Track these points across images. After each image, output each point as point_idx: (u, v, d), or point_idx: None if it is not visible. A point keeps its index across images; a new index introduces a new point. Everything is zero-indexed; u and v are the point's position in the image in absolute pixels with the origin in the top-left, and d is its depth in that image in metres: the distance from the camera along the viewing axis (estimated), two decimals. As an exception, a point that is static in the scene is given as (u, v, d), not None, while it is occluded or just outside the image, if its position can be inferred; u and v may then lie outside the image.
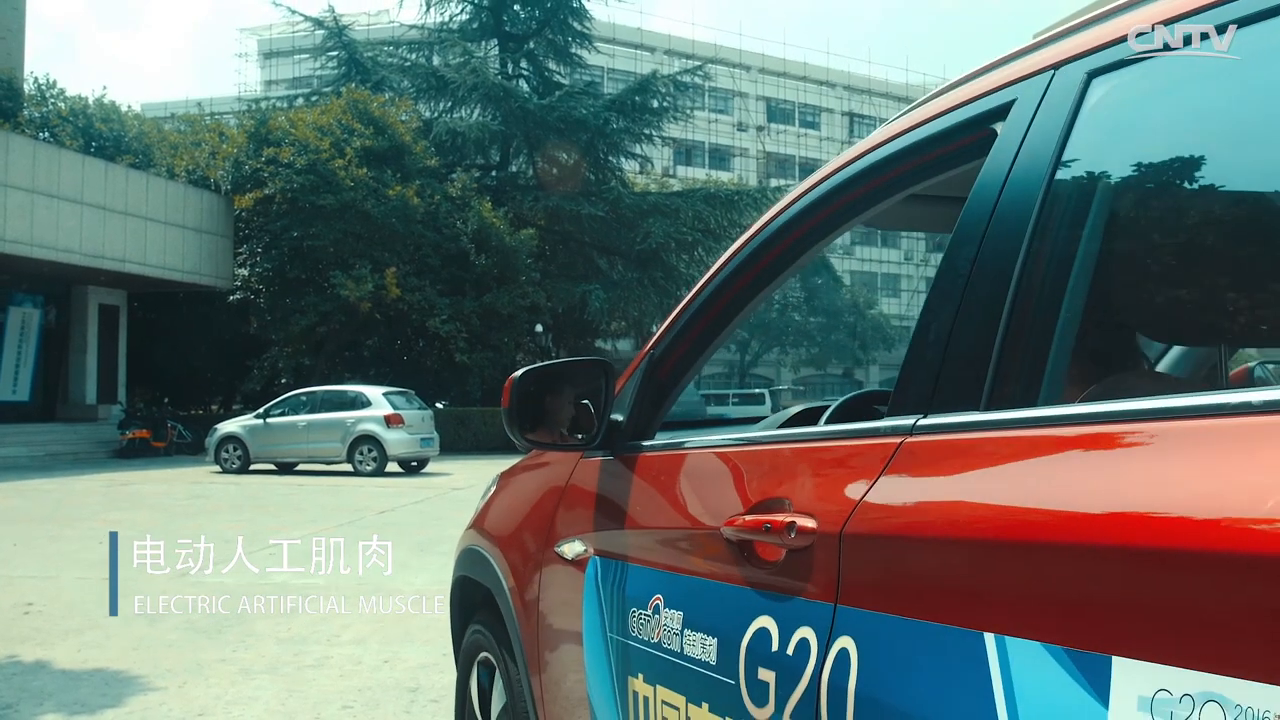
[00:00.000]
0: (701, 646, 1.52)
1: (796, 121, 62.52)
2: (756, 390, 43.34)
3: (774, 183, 45.02)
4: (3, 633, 5.68)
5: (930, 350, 1.29)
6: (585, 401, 2.04)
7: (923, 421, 1.23)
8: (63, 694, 4.52)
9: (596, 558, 1.96)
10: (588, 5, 32.96)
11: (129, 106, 30.30)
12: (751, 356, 51.76)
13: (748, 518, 1.45)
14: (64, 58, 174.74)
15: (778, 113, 62.57)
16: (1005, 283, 1.17)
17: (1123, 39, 1.14)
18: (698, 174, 52.80)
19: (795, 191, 1.73)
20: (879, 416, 1.37)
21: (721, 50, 57.71)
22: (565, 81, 33.47)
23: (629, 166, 35.67)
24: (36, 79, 28.75)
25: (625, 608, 1.80)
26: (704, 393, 40.48)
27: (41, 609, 6.34)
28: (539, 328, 29.48)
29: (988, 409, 1.15)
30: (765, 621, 1.37)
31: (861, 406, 2.02)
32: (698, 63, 37.54)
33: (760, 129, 61.53)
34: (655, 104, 32.83)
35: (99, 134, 27.65)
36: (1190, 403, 0.95)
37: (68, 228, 21.36)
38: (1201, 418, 0.92)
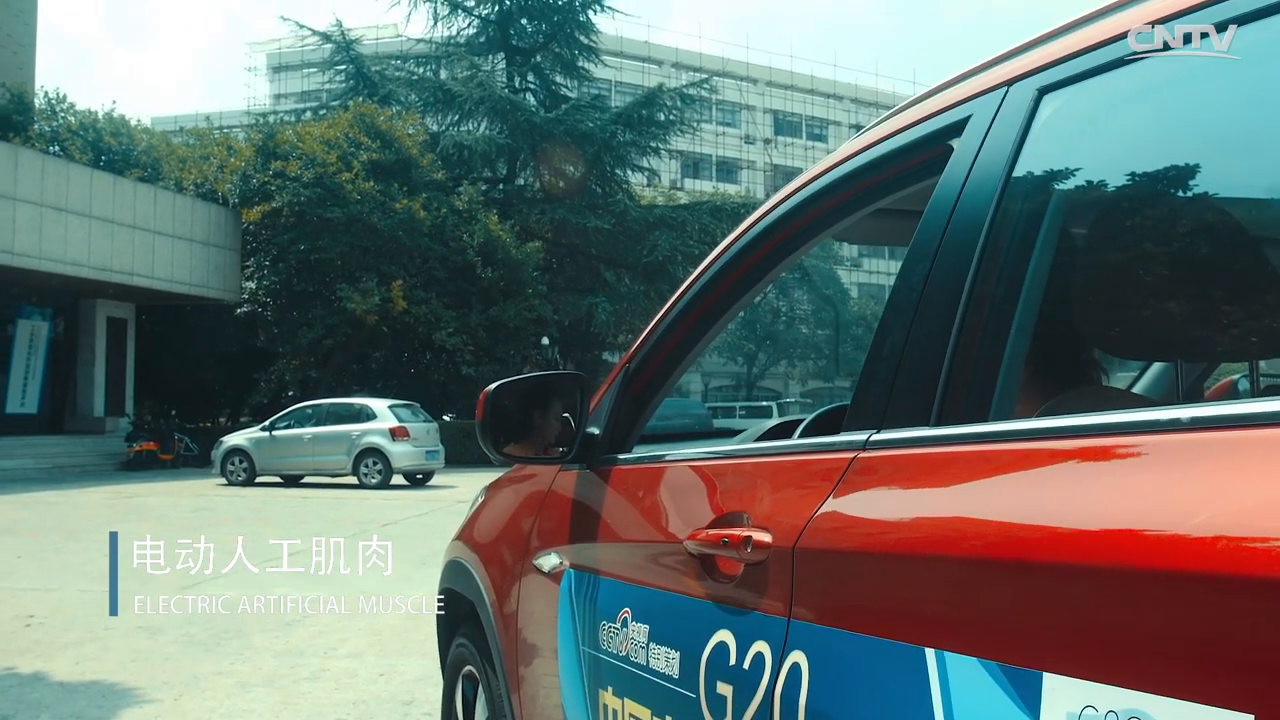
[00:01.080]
0: (665, 660, 1.53)
1: (804, 134, 62.62)
2: (764, 403, 43.31)
3: (781, 195, 44.90)
4: (3, 645, 5.69)
5: (884, 365, 1.29)
6: (566, 415, 2.05)
7: (875, 437, 1.23)
8: (59, 706, 4.53)
9: (571, 570, 1.97)
10: (595, 19, 33.11)
11: (139, 120, 30.44)
12: (759, 369, 51.72)
13: (709, 532, 1.46)
14: (76, 73, 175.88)
15: (785, 125, 62.67)
16: (956, 298, 1.18)
17: (1071, 56, 1.15)
18: (705, 187, 52.87)
19: (764, 206, 1.74)
20: None
21: (729, 63, 57.87)
22: (572, 95, 33.56)
23: (636, 179, 35.73)
24: (47, 93, 28.98)
25: (596, 621, 1.81)
26: (712, 405, 40.50)
27: (43, 621, 6.35)
28: (545, 340, 29.52)
29: (938, 424, 1.15)
30: (724, 636, 1.38)
31: (837, 419, 2.02)
32: (705, 76, 37.62)
33: (767, 141, 61.62)
34: (662, 117, 32.87)
35: (108, 148, 27.79)
36: (1129, 419, 0.96)
37: (76, 241, 21.47)
38: (1139, 434, 0.92)
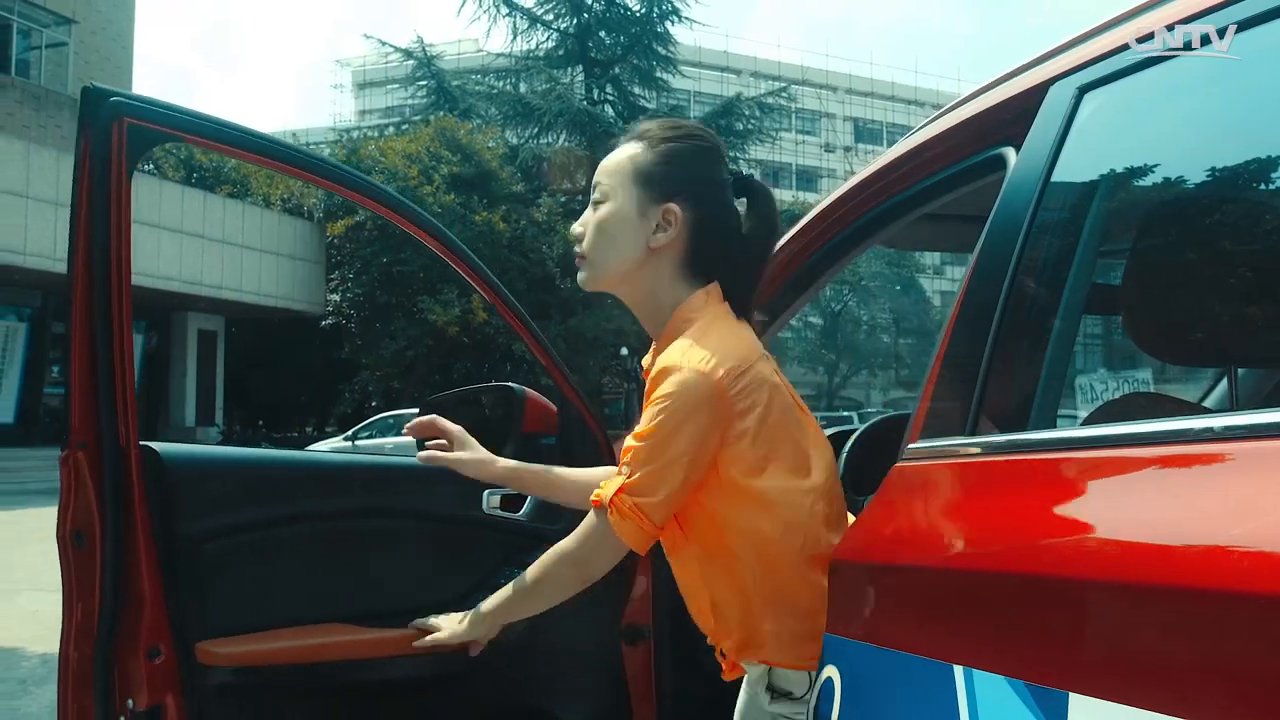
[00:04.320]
0: None
1: (884, 141, 61.91)
2: (844, 413, 42.78)
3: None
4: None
5: (929, 374, 1.26)
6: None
7: (910, 446, 1.20)
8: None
9: None
10: (673, 30, 33.14)
11: (228, 138, 31.24)
12: (840, 379, 51.17)
13: None
14: (171, 95, 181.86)
15: (865, 133, 62.15)
16: (993, 305, 1.14)
17: (1109, 54, 1.11)
18: (785, 195, 52.58)
19: (809, 216, 1.71)
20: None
21: (808, 71, 57.61)
22: (650, 106, 33.65)
23: (714, 189, 35.58)
24: (142, 114, 29.90)
25: None
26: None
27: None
28: (624, 351, 29.57)
29: (972, 433, 1.12)
30: None
31: (890, 431, 1.98)
32: (783, 84, 37.44)
33: (848, 150, 61.13)
34: (740, 126, 32.73)
35: (200, 165, 28.64)
36: (1170, 428, 0.92)
37: (168, 256, 22.10)
38: (1177, 444, 0.88)
